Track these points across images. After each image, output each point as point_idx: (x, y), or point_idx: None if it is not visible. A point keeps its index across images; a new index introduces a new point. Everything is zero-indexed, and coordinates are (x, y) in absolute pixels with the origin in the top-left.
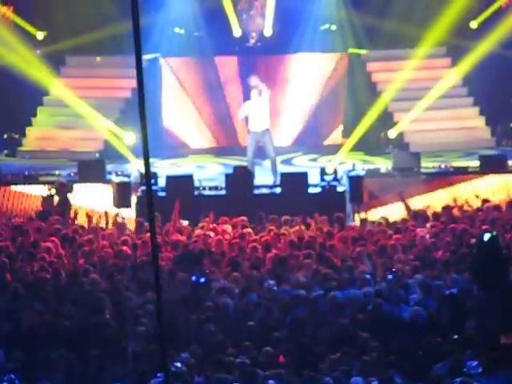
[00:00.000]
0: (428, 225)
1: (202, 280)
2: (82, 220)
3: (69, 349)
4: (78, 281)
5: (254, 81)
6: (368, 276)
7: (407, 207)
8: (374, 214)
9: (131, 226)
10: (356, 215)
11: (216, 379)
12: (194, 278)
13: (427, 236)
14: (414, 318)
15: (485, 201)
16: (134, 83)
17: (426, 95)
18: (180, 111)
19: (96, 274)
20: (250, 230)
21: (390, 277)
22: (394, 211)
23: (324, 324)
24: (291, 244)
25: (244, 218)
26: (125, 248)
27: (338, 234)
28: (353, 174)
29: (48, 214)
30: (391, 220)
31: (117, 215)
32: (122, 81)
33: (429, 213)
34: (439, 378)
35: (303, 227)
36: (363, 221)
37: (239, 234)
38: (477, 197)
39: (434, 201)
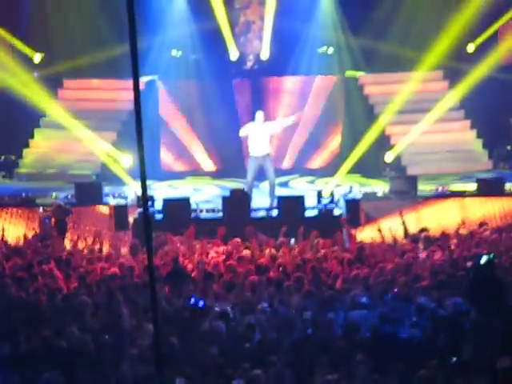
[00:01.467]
0: (422, 247)
1: (201, 303)
2: (79, 242)
3: (63, 370)
4: (72, 302)
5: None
6: (363, 298)
7: (405, 229)
8: (371, 233)
9: (127, 248)
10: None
11: None
12: (192, 300)
13: (423, 258)
14: (411, 340)
15: (482, 224)
16: (131, 105)
17: (423, 118)
18: (177, 133)
19: (90, 295)
20: (245, 252)
21: (387, 299)
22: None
23: (320, 346)
24: (285, 267)
25: (238, 239)
26: (121, 270)
27: (334, 255)
28: (349, 197)
29: (45, 236)
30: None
31: (114, 237)
32: (119, 103)
33: (423, 235)
34: None
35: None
36: (359, 243)
37: (235, 256)
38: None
39: (428, 223)
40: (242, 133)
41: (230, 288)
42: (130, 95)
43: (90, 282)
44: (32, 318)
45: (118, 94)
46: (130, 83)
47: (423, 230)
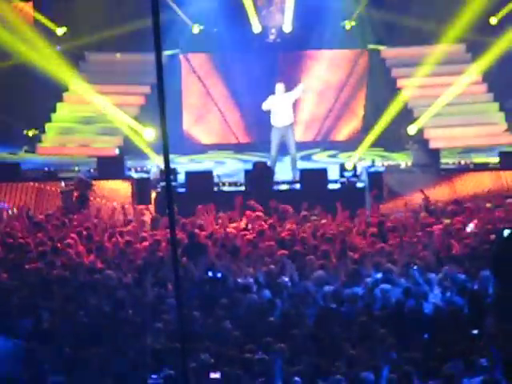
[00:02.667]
0: (446, 221)
1: (219, 275)
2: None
3: (91, 345)
4: (96, 277)
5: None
6: (387, 273)
7: (427, 202)
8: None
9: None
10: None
11: (234, 375)
12: (210, 273)
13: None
14: (435, 314)
15: (507, 197)
16: (153, 79)
17: (446, 91)
18: (200, 107)
19: (114, 270)
20: (267, 225)
21: (412, 272)
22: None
23: (344, 320)
24: (309, 240)
25: (260, 213)
26: (144, 244)
27: (357, 229)
28: (372, 170)
29: (67, 210)
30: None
31: (137, 211)
32: (142, 77)
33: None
34: (452, 376)
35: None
36: (383, 216)
37: (257, 230)
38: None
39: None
40: (265, 106)
41: (251, 261)
42: (153, 69)
43: (113, 257)
44: (56, 292)
45: (140, 67)
46: (152, 57)
47: (451, 202)
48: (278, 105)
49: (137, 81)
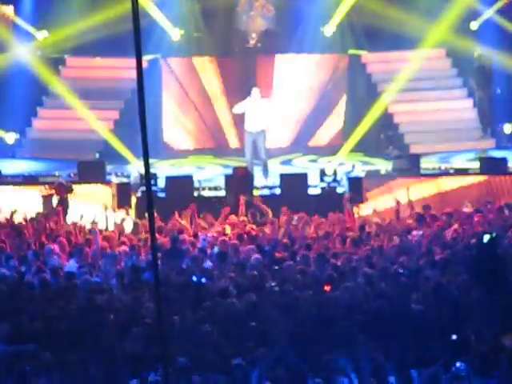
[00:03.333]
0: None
1: (203, 280)
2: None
3: (67, 350)
4: (75, 282)
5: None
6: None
7: (411, 207)
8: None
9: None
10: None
11: (213, 379)
12: (194, 278)
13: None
14: (414, 319)
15: (487, 202)
16: (134, 84)
17: (426, 96)
18: (180, 111)
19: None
20: (249, 229)
21: (391, 276)
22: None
23: (324, 325)
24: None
25: (244, 218)
26: (123, 248)
27: (337, 234)
28: (352, 175)
29: (47, 214)
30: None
31: (119, 217)
32: (122, 82)
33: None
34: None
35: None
36: (363, 221)
37: (238, 234)
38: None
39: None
40: (236, 110)
41: (234, 266)
42: (133, 74)
43: (92, 261)
44: (34, 297)
45: (120, 72)
46: (132, 62)
47: (426, 207)
48: (253, 109)
49: (117, 85)
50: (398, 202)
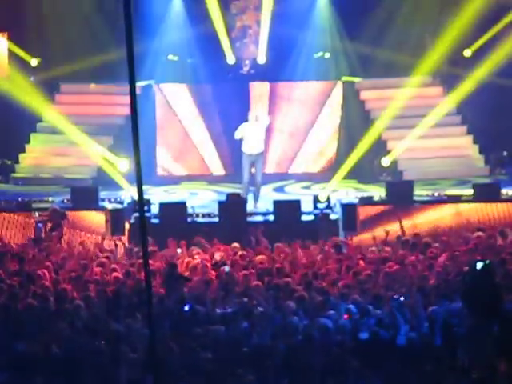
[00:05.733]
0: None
1: (198, 308)
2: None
3: (61, 376)
4: (67, 308)
5: (254, 111)
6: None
7: (403, 232)
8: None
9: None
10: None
11: None
12: (187, 307)
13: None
14: (408, 345)
15: (478, 229)
16: (127, 110)
17: (420, 123)
18: (174, 137)
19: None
20: (242, 256)
21: (388, 303)
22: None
23: (316, 352)
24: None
25: (236, 244)
26: (116, 274)
27: (332, 261)
28: (346, 201)
29: (39, 240)
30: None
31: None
32: (116, 108)
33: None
34: None
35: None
36: (356, 248)
37: (231, 260)
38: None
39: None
40: (238, 135)
41: (226, 293)
42: (127, 100)
43: (86, 287)
44: (27, 323)
45: (114, 98)
46: (126, 88)
47: (416, 235)
48: (250, 132)
49: (111, 112)
50: (402, 226)
